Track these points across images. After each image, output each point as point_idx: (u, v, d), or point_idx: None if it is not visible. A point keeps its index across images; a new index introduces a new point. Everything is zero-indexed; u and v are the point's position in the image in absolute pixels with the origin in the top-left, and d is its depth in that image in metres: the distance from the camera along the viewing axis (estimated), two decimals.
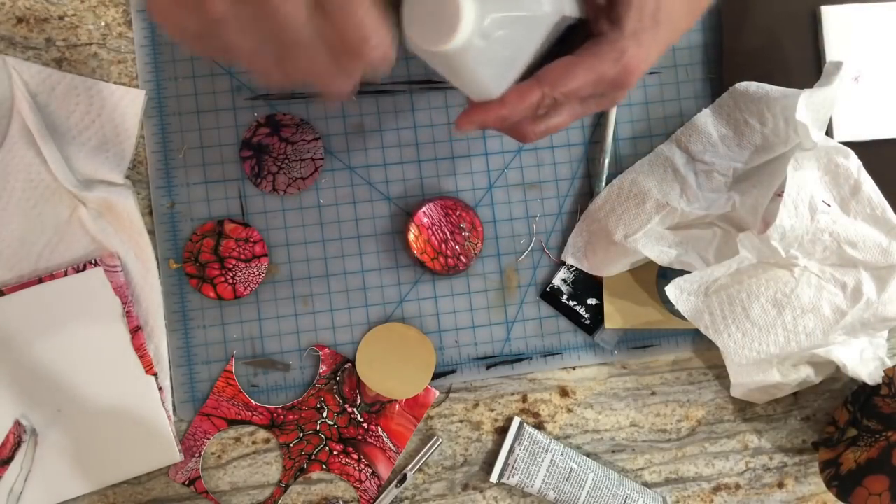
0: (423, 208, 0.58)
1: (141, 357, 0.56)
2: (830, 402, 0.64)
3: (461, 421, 0.60)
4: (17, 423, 0.55)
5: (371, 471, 0.59)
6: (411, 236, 0.57)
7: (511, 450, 0.58)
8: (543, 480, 0.58)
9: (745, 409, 0.63)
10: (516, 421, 0.59)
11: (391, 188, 0.59)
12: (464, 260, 0.58)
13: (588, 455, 0.61)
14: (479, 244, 0.58)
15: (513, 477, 0.58)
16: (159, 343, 0.57)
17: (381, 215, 0.59)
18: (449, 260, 0.58)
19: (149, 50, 0.57)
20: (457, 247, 0.58)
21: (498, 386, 0.60)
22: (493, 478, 0.58)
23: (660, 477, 0.62)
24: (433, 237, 0.58)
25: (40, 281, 0.56)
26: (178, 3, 0.30)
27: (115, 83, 0.57)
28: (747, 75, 0.60)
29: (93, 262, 0.56)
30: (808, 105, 0.52)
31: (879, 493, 0.53)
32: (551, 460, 0.58)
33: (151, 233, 0.57)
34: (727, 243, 0.56)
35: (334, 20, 0.30)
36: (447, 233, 0.58)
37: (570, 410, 0.61)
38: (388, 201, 0.59)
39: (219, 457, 0.58)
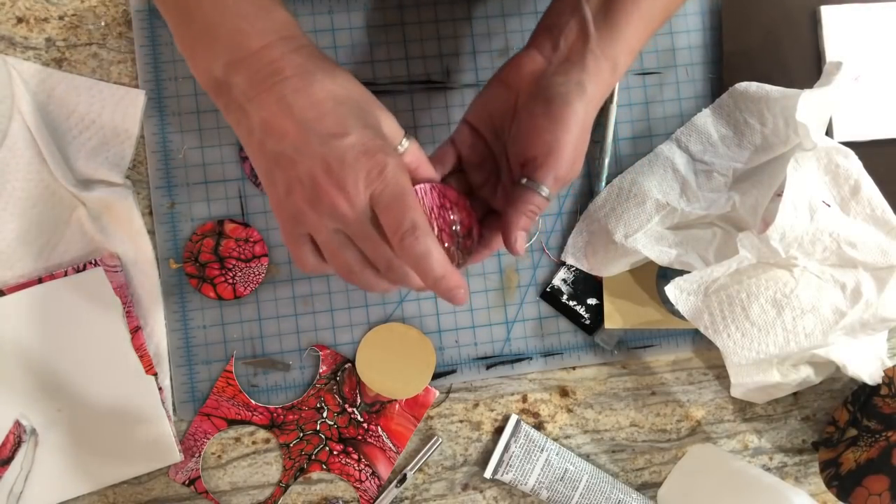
0: (418, 187, 0.46)
1: (141, 357, 0.56)
2: (830, 402, 0.64)
3: (461, 421, 0.60)
4: (17, 423, 0.55)
5: (371, 471, 0.59)
6: None
7: (507, 446, 0.58)
8: (537, 479, 0.58)
9: (745, 409, 0.63)
10: (513, 418, 0.59)
11: None
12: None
13: (588, 455, 0.61)
14: (469, 258, 0.48)
15: (507, 473, 0.58)
16: (159, 343, 0.57)
17: None
18: None
19: (149, 50, 0.57)
20: (443, 246, 0.46)
21: (498, 386, 0.60)
22: (487, 473, 0.58)
23: (660, 477, 0.62)
24: None
25: (40, 281, 0.56)
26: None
27: (115, 83, 0.57)
28: (747, 75, 0.60)
29: (93, 262, 0.56)
30: (808, 105, 0.52)
31: (879, 493, 0.53)
32: (546, 459, 0.58)
33: (151, 233, 0.57)
34: (727, 243, 0.56)
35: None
36: (435, 226, 0.46)
37: (570, 410, 0.61)
38: None
39: (219, 457, 0.58)
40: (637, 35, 0.47)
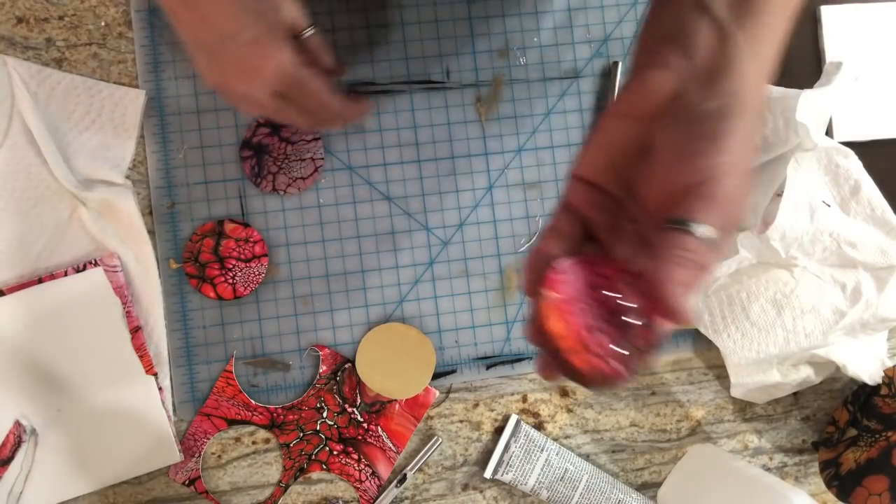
0: (565, 268, 0.35)
1: (141, 357, 0.56)
2: (830, 402, 0.64)
3: (461, 421, 0.60)
4: (17, 423, 0.55)
5: (371, 471, 0.59)
6: (549, 313, 0.34)
7: (507, 446, 0.58)
8: (537, 479, 0.58)
9: (745, 409, 0.63)
10: (513, 418, 0.59)
11: (391, 188, 0.59)
12: (617, 366, 0.34)
13: (588, 455, 0.61)
14: (650, 350, 0.34)
15: (507, 473, 0.58)
16: (159, 343, 0.57)
17: (382, 215, 0.59)
18: (593, 359, 0.34)
19: (149, 50, 0.57)
20: (610, 340, 0.34)
21: (498, 386, 0.60)
22: (488, 473, 0.58)
23: (660, 477, 0.62)
24: (576, 318, 0.34)
25: (40, 281, 0.56)
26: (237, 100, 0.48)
27: (115, 83, 0.57)
28: None
29: (93, 262, 0.56)
30: (808, 105, 0.52)
31: (879, 493, 0.53)
32: (546, 459, 0.58)
33: (151, 233, 0.57)
34: None
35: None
36: (590, 315, 0.35)
37: (570, 410, 0.61)
38: (388, 201, 0.59)
39: (219, 457, 0.58)
40: (782, 23, 0.37)
